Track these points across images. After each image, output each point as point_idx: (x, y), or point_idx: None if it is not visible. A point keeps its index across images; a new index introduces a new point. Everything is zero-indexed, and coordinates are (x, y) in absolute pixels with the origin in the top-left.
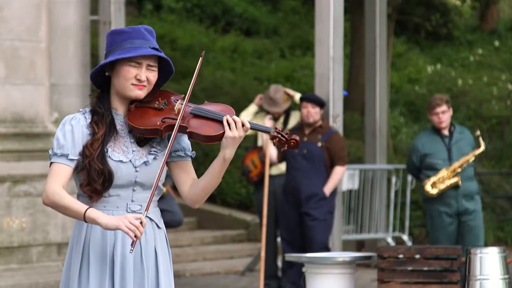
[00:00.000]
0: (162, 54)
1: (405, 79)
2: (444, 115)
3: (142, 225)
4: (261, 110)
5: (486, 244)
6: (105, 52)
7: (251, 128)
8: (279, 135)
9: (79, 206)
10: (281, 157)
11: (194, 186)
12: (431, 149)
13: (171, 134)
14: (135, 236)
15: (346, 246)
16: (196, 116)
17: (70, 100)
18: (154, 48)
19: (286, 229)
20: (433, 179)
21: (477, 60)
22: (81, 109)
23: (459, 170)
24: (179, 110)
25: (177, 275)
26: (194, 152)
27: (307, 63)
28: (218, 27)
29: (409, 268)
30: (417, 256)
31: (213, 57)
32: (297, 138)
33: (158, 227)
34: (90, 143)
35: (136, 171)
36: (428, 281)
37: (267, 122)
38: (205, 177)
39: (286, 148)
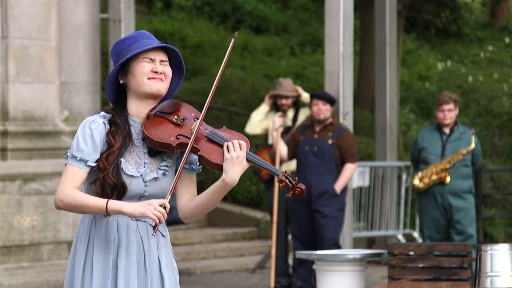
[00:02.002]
0: (173, 47)
1: (415, 76)
2: (449, 113)
3: (166, 210)
4: (272, 109)
5: (496, 241)
6: (114, 63)
7: (260, 166)
8: (287, 180)
9: (98, 200)
10: (292, 155)
11: (191, 200)
12: (427, 143)
13: (182, 152)
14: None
15: (357, 243)
16: (210, 140)
17: (80, 98)
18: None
19: (297, 226)
20: (421, 173)
21: (488, 57)
22: (101, 112)
23: (447, 166)
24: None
25: (187, 273)
26: (201, 166)
27: (317, 61)
28: (228, 24)
29: (420, 265)
30: (428, 253)
31: (223, 55)
32: (303, 187)
33: (163, 235)
34: (105, 156)
35: (146, 185)
36: (438, 278)
37: (277, 119)
38: (202, 195)
39: (290, 194)
